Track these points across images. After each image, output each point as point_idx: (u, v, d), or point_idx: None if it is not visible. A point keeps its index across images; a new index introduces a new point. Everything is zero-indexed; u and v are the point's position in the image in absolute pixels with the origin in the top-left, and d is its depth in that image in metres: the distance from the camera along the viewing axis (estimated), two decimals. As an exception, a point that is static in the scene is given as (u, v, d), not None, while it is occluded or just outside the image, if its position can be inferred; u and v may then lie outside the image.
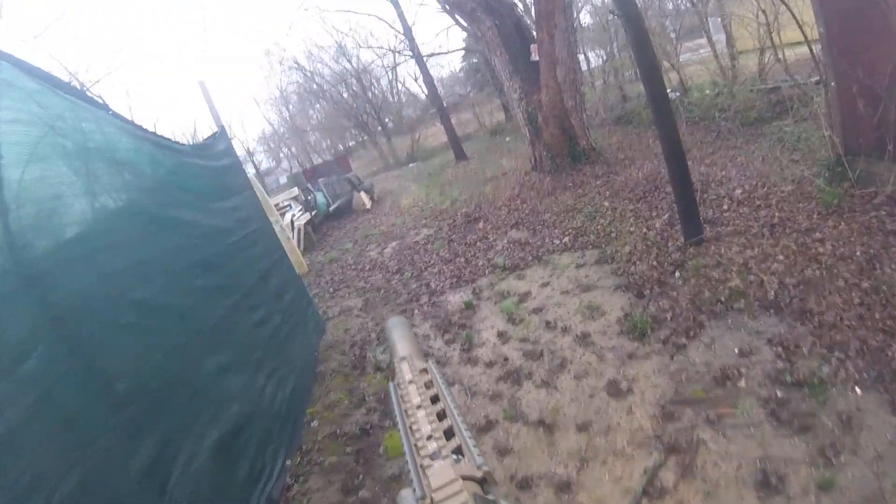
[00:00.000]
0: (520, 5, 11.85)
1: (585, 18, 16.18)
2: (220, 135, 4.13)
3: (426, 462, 0.47)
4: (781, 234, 3.75)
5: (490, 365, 3.51)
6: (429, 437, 0.50)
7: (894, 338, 2.48)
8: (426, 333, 4.30)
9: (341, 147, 30.40)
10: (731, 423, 2.35)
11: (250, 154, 27.95)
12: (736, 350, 2.81)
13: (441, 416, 0.55)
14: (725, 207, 4.53)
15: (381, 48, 21.41)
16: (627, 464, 2.33)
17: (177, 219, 2.80)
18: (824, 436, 2.15)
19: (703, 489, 2.08)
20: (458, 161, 14.47)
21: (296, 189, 11.05)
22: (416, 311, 4.88)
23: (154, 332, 2.22)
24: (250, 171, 25.76)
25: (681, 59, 10.48)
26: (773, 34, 7.21)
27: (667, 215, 4.81)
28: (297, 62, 23.98)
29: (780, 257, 3.44)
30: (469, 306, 4.55)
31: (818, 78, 5.23)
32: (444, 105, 17.51)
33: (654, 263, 4.04)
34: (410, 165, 19.03)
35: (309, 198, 10.97)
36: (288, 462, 2.87)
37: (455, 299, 4.84)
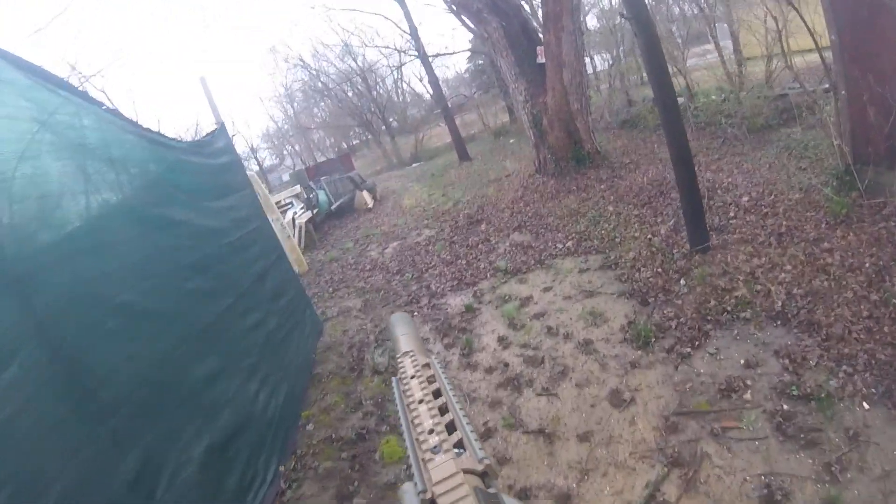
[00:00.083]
0: (526, 7, 11.82)
1: (592, 22, 16.14)
2: (220, 132, 4.06)
3: (427, 456, 0.47)
4: (789, 243, 3.69)
5: (490, 371, 3.46)
6: (430, 432, 0.51)
7: (904, 353, 2.43)
8: (425, 336, 4.25)
9: (345, 145, 30.44)
10: (735, 437, 2.31)
11: (254, 151, 27.98)
12: (742, 361, 2.76)
13: (443, 410, 0.55)
14: (732, 215, 4.48)
15: (387, 48, 21.42)
16: (629, 476, 2.28)
17: (169, 219, 2.73)
18: (831, 451, 2.11)
19: (706, 505, 2.03)
20: (462, 162, 14.43)
21: (298, 187, 11.03)
22: (415, 313, 4.82)
23: (141, 337, 2.16)
24: (254, 167, 25.79)
25: (687, 65, 10.41)
26: (781, 41, 7.14)
27: (672, 221, 4.76)
28: (302, 60, 24.07)
29: (788, 267, 3.39)
30: (470, 310, 4.50)
31: (827, 85, 5.17)
32: (449, 106, 17.50)
33: (659, 270, 3.99)
34: (413, 165, 19.00)
35: (311, 196, 10.94)
36: (282, 468, 2.82)
37: (455, 302, 4.79)
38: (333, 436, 3.16)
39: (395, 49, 19.18)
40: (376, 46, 24.12)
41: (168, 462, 2.03)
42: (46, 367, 1.66)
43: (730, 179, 5.33)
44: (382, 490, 2.63)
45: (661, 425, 2.50)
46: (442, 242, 6.83)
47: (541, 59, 7.97)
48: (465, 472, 0.44)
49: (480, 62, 24.54)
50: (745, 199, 4.68)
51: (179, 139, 3.80)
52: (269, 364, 3.21)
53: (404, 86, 27.17)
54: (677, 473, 2.21)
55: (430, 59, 16.34)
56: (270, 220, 5.50)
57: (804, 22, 4.72)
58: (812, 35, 4.61)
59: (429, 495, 0.42)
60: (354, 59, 23.37)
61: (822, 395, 2.35)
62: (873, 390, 2.31)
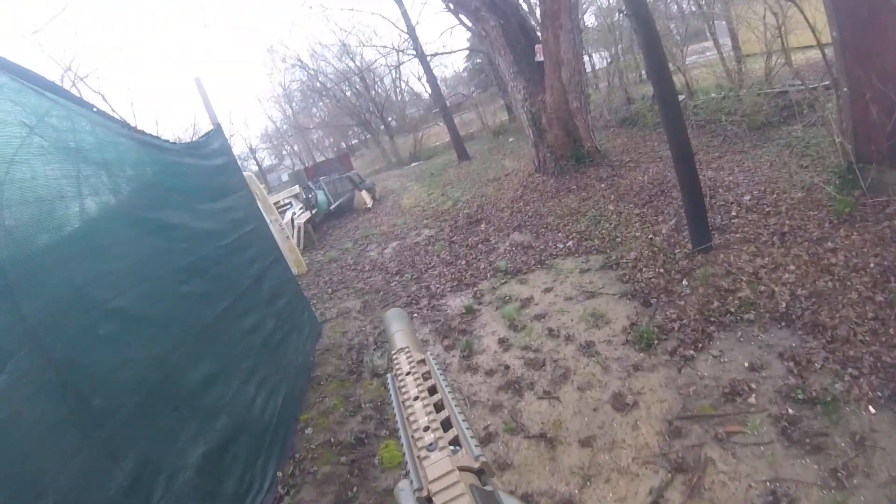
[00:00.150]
0: (524, 5, 11.76)
1: (590, 20, 16.09)
2: (216, 133, 4.01)
3: (423, 453, 0.47)
4: (792, 242, 3.65)
5: (490, 373, 3.42)
6: (426, 429, 0.50)
7: (911, 355, 2.39)
8: (425, 338, 4.21)
9: (344, 145, 30.39)
10: (740, 442, 2.27)
11: (253, 151, 27.91)
12: (746, 364, 2.72)
13: (439, 407, 0.55)
14: (734, 214, 4.44)
15: (385, 47, 21.37)
16: (632, 482, 2.24)
17: (164, 221, 2.69)
18: (837, 457, 2.08)
19: (711, 511, 2.00)
20: (461, 161, 14.40)
21: (297, 187, 10.99)
22: (415, 314, 4.78)
23: (136, 341, 2.11)
24: (253, 168, 25.73)
25: (686, 62, 10.37)
26: (781, 37, 7.10)
27: (674, 220, 4.72)
28: (300, 60, 24.01)
29: (791, 267, 3.35)
30: (469, 311, 4.46)
31: (828, 82, 5.13)
32: (448, 105, 17.44)
33: (661, 270, 3.95)
34: (412, 165, 18.96)
35: (310, 196, 10.90)
36: (279, 474, 2.78)
37: (455, 303, 4.75)
38: (332, 440, 3.11)
39: (393, 48, 19.11)
40: (374, 46, 24.13)
41: (164, 467, 1.99)
42: (40, 372, 1.62)
43: (731, 178, 5.29)
44: (382, 496, 2.59)
45: (664, 430, 2.46)
46: (441, 242, 6.79)
47: (539, 58, 7.92)
48: (461, 469, 0.44)
49: (479, 61, 24.45)
50: (747, 197, 4.64)
51: (174, 141, 3.75)
52: (267, 367, 3.17)
53: (403, 85, 27.13)
54: (681, 479, 2.17)
55: (429, 58, 16.31)
56: (269, 220, 5.46)
57: (805, 18, 4.68)
58: (813, 31, 4.57)
59: (425, 493, 0.42)
60: (352, 59, 23.37)
61: (828, 398, 2.31)
62: (879, 394, 2.27)
